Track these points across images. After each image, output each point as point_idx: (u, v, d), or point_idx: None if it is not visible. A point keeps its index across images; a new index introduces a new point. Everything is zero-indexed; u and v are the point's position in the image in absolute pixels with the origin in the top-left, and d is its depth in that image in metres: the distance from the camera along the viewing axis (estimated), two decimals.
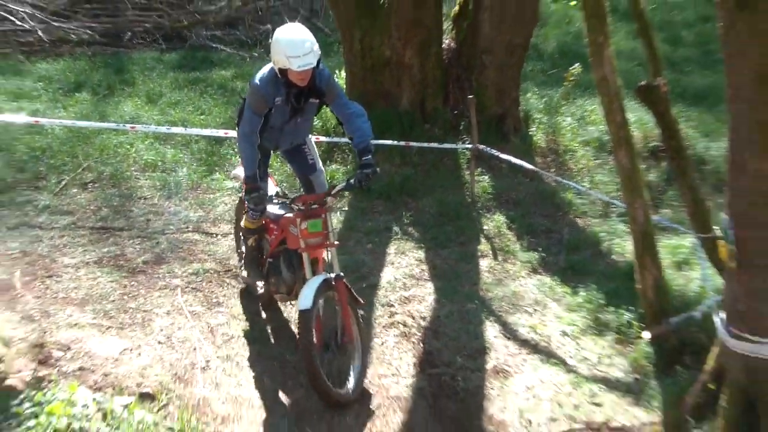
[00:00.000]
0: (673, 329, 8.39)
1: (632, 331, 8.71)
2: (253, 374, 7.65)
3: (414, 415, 7.62)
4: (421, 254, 9.43)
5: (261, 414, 7.23)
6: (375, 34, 11.04)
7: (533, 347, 8.36)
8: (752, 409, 7.38)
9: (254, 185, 6.84)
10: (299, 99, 6.77)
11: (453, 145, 10.77)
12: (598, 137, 11.20)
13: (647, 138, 10.60)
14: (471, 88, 11.02)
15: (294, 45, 6.40)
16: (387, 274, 9.11)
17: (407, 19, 10.90)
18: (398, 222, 10.06)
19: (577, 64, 11.76)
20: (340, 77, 11.74)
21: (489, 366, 8.15)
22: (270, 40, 14.93)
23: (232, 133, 10.79)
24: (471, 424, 7.61)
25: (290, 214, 7.13)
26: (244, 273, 8.09)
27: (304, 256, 7.01)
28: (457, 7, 11.81)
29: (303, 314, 6.53)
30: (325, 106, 7.34)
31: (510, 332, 8.57)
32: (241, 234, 8.07)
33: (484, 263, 9.65)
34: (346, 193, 10.43)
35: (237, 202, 8.44)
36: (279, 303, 8.30)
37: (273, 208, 7.40)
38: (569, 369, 8.27)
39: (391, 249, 9.59)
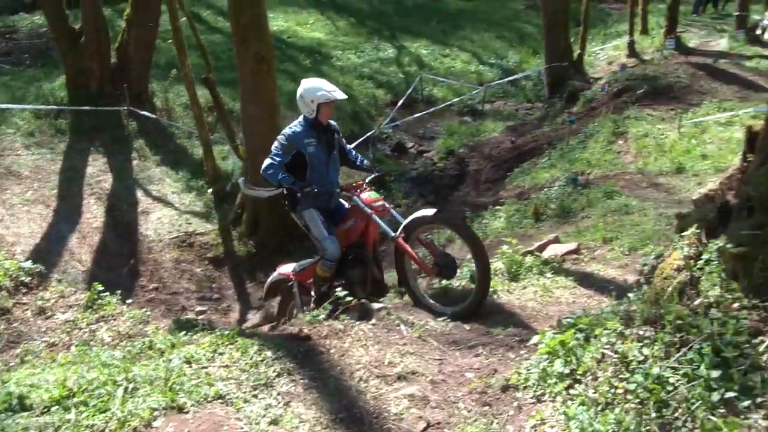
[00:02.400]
0: (222, 187, 10.24)
1: (204, 188, 10.31)
2: None
3: None
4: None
5: None
6: (77, 61, 11.58)
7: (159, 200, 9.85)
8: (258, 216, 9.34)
9: (294, 183, 5.25)
10: (326, 132, 5.43)
11: (118, 108, 11.23)
12: (185, 102, 11.72)
13: (207, 101, 11.15)
14: (126, 80, 11.68)
15: (327, 84, 5.35)
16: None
17: (92, 50, 11.59)
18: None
19: (174, 69, 12.05)
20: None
21: None
22: None
23: None
24: None
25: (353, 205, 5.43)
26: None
27: (379, 220, 5.28)
28: (117, 43, 12.19)
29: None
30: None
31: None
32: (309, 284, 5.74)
33: (134, 163, 10.72)
34: None
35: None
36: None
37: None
38: (174, 208, 9.83)
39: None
